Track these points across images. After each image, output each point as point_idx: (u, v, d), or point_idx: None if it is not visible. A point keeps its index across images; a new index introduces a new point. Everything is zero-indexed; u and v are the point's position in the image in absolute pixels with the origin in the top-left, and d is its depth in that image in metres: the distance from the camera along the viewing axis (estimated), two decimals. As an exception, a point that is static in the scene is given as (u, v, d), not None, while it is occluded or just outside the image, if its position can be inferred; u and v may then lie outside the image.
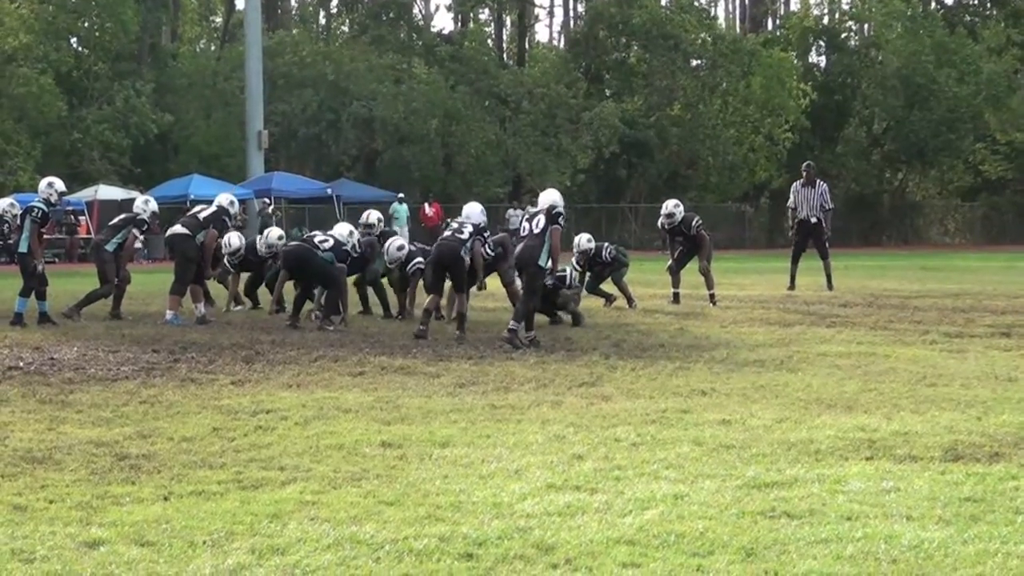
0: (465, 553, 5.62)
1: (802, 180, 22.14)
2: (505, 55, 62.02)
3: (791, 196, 22.36)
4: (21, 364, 11.95)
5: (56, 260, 40.31)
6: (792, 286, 21.59)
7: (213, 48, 61.53)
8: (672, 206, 19.22)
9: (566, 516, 6.27)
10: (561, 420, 8.99)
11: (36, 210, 15.61)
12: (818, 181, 22.16)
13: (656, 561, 5.50)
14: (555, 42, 70.89)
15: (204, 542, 5.79)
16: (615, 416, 9.14)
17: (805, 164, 22.97)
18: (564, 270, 16.24)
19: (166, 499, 6.65)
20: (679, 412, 9.29)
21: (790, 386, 10.60)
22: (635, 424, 8.79)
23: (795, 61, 60.07)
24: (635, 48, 58.82)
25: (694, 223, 19.14)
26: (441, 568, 5.41)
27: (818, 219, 21.78)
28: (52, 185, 16.12)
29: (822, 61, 64.28)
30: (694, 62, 58.05)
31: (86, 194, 42.15)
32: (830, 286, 21.49)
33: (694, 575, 5.32)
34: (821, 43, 63.50)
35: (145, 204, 17.06)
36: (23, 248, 15.66)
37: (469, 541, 5.80)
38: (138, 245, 27.34)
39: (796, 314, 17.19)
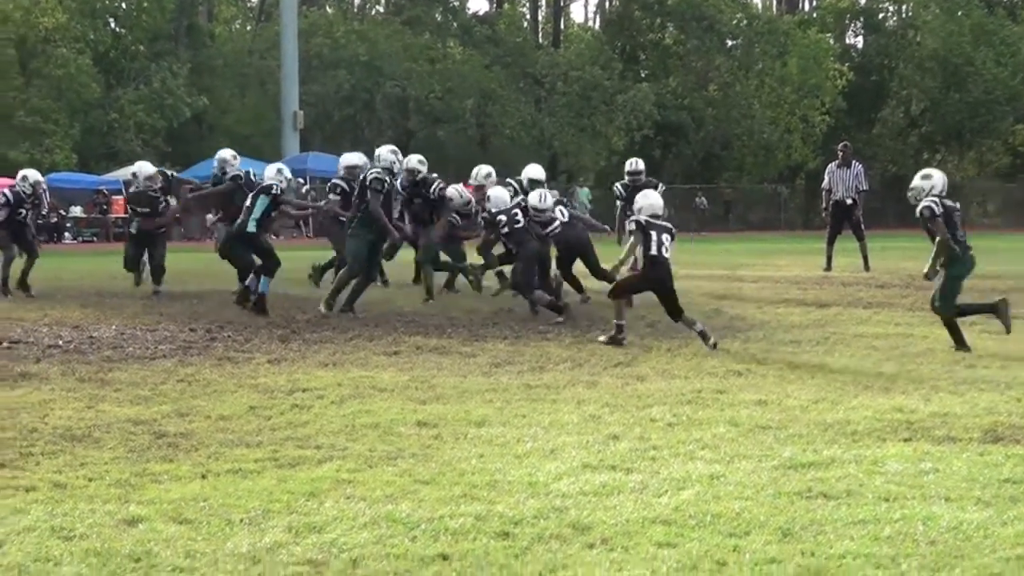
0: (501, 532, 5.61)
1: (838, 160, 21.98)
2: (540, 36, 61.89)
3: (826, 177, 22.19)
4: (60, 342, 12.02)
5: (95, 239, 40.63)
6: (828, 267, 21.46)
7: (248, 28, 61.65)
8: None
9: (602, 496, 6.26)
10: (596, 400, 8.97)
11: (275, 187, 14.51)
12: (854, 162, 21.98)
13: (692, 541, 5.48)
14: (590, 23, 70.70)
15: (241, 520, 5.81)
16: (650, 396, 9.12)
17: (841, 144, 22.80)
18: None
19: (204, 477, 6.67)
20: (715, 392, 9.26)
21: (827, 367, 10.55)
22: (670, 404, 8.77)
23: (831, 42, 59.69)
24: (670, 29, 58.62)
25: None
26: (477, 547, 5.40)
27: (854, 200, 21.62)
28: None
29: (859, 42, 63.88)
30: (729, 43, 57.79)
31: (122, 174, 42.39)
32: (867, 267, 21.35)
33: (731, 555, 5.29)
34: (858, 24, 63.09)
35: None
36: (252, 228, 14.32)
37: (505, 520, 5.79)
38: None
39: (832, 295, 17.09)
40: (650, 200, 12.69)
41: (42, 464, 6.95)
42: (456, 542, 5.47)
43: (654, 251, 12.07)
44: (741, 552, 5.34)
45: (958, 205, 11.87)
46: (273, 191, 14.40)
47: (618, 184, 18.93)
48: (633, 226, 12.33)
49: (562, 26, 63.99)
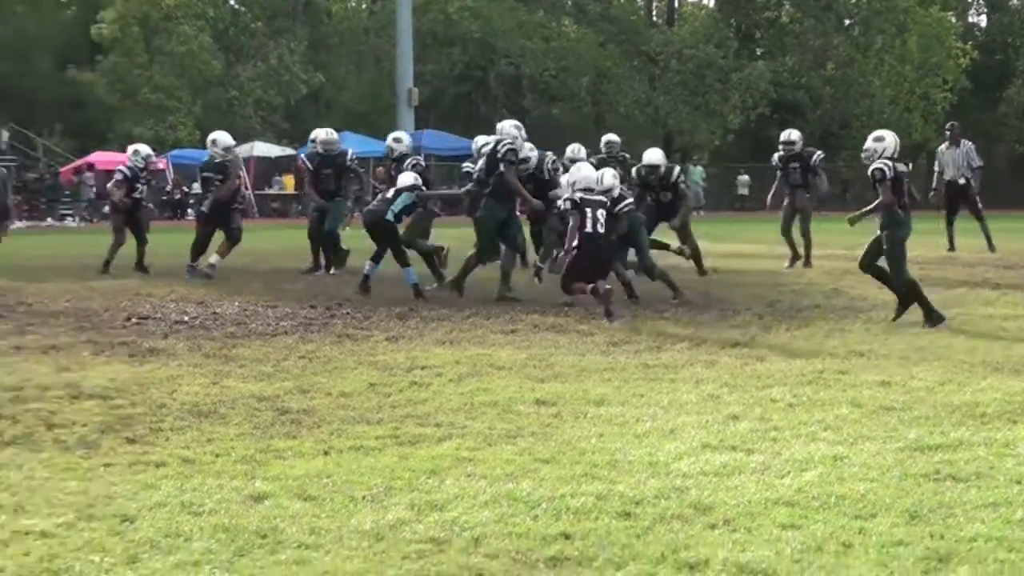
0: (623, 512, 5.59)
1: (947, 142, 21.55)
2: (654, 14, 61.46)
3: (936, 160, 21.76)
4: (186, 318, 12.23)
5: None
6: (952, 247, 21.05)
7: (364, 5, 62.10)
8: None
9: (723, 476, 6.21)
10: (715, 380, 8.90)
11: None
12: (962, 141, 21.50)
13: (817, 523, 5.41)
14: (705, 1, 70.00)
15: (364, 497, 5.85)
16: (770, 376, 9.02)
17: (949, 124, 22.40)
18: None
19: (326, 454, 6.74)
20: (836, 373, 9.13)
21: (953, 348, 10.34)
22: (791, 385, 8.67)
23: (953, 20, 58.42)
24: (787, 7, 57.84)
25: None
26: (599, 526, 5.39)
27: (967, 179, 21.17)
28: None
29: (982, 20, 62.40)
30: (847, 21, 56.87)
31: (242, 150, 43.10)
32: (991, 247, 20.86)
33: (856, 537, 5.22)
34: (980, 2, 61.67)
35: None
36: (390, 217, 14.15)
37: (626, 500, 5.77)
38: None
39: (958, 276, 16.76)
40: (583, 173, 12.49)
41: (171, 440, 7.08)
42: (577, 521, 5.47)
43: (589, 228, 11.87)
44: (867, 534, 5.26)
45: (909, 168, 12.35)
46: (416, 192, 14.33)
47: (775, 155, 18.82)
48: (568, 205, 12.11)
49: (676, 4, 63.45)
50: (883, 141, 12.09)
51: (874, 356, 9.97)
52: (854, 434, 7.13)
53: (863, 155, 12.23)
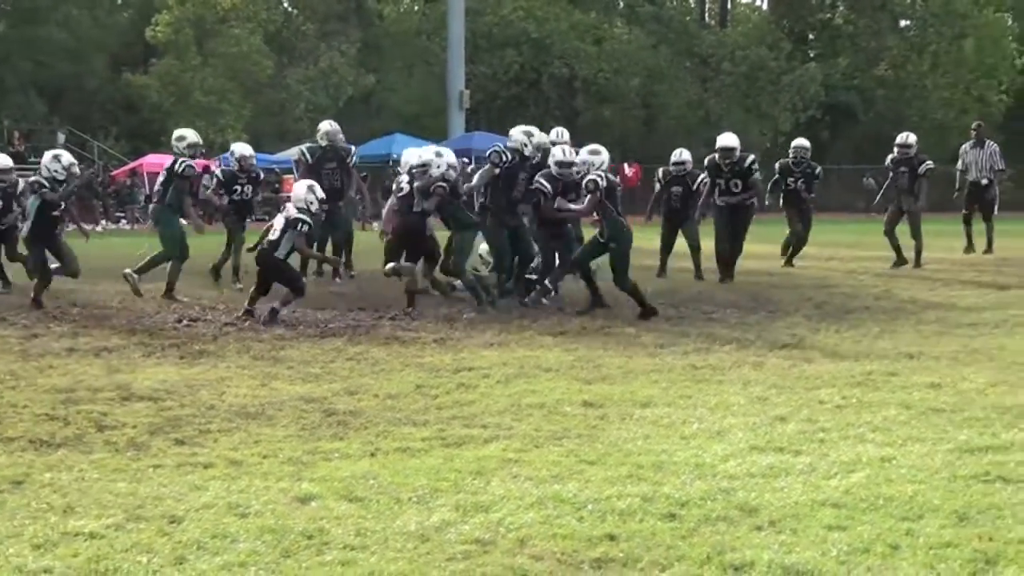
0: (668, 513, 5.58)
1: (971, 141, 21.33)
2: (707, 15, 61.24)
3: (960, 159, 21.55)
4: (236, 320, 12.31)
5: (266, 217, 41.54)
6: (970, 245, 20.91)
7: (417, 8, 62.27)
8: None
9: (769, 478, 6.18)
10: (763, 381, 8.86)
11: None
12: (987, 141, 21.27)
13: (864, 524, 5.38)
14: (758, 2, 69.68)
15: (410, 498, 5.87)
16: (818, 378, 8.98)
17: (975, 123, 22.23)
18: None
19: (373, 455, 6.77)
20: (885, 375, 9.06)
21: (1006, 349, 10.24)
22: (839, 386, 8.61)
23: (1010, 22, 57.81)
24: (840, 8, 57.47)
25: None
26: (644, 528, 5.38)
27: (989, 181, 20.97)
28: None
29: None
30: (903, 23, 56.43)
31: (292, 153, 43.35)
32: (990, 248, 20.71)
33: (904, 539, 5.18)
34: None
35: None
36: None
37: (672, 501, 5.76)
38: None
39: (1012, 277, 16.60)
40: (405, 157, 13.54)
41: (219, 441, 7.13)
42: (623, 523, 5.46)
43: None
44: (914, 536, 5.22)
45: (618, 180, 13.29)
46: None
47: (889, 156, 18.98)
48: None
49: (729, 5, 63.20)
50: (599, 155, 12.93)
51: (924, 358, 9.89)
52: (903, 436, 7.08)
53: (573, 168, 13.07)
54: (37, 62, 47.48)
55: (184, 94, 46.91)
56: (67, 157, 14.22)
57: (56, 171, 13.94)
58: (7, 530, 5.36)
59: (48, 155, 14.28)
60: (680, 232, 17.07)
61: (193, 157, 14.90)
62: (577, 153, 13.35)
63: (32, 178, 14.46)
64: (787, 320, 12.29)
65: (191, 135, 15.13)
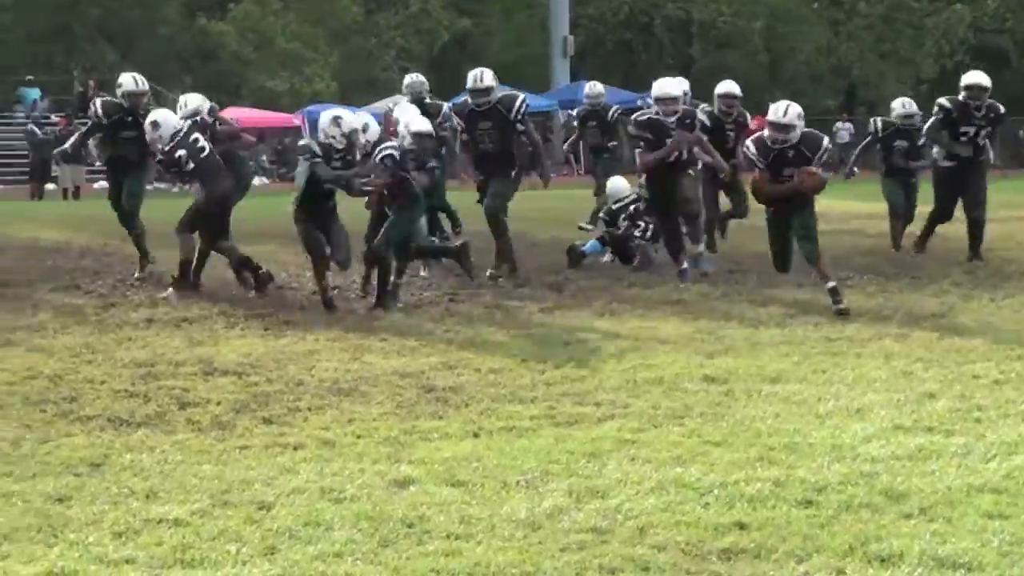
0: (803, 500, 5.53)
1: None
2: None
3: None
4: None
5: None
6: None
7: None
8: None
9: (917, 461, 6.11)
10: (908, 355, 8.75)
11: None
12: None
13: (1026, 513, 5.29)
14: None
15: (518, 482, 5.87)
16: (972, 351, 8.84)
17: None
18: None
19: (476, 435, 6.78)
20: (1048, 347, 8.90)
21: None
22: (996, 360, 8.47)
23: None
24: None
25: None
26: (777, 515, 5.33)
27: None
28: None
29: None
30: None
31: (381, 106, 43.44)
32: None
33: (1072, 531, 5.08)
34: None
35: None
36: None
37: (807, 486, 5.70)
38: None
39: None
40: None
41: (309, 420, 7.19)
42: (753, 510, 5.41)
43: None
44: (1087, 526, 5.12)
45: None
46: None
47: None
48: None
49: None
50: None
51: (1093, 328, 9.69)
52: (1069, 414, 6.95)
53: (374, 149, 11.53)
54: (106, 8, 47.96)
55: (265, 41, 47.18)
56: (348, 120, 11.65)
57: (334, 137, 11.38)
58: (87, 516, 5.44)
59: (326, 117, 11.76)
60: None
61: (203, 126, 12.75)
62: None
63: (303, 141, 13.62)
64: (934, 288, 12.09)
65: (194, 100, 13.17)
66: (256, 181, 26.30)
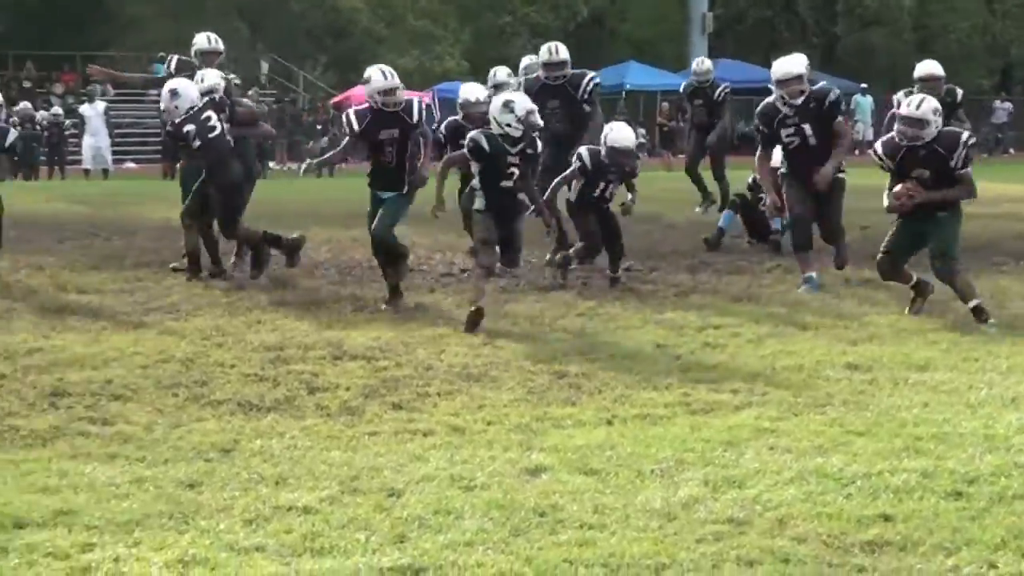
0: (953, 492, 5.46)
1: None
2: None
3: None
4: (454, 271, 12.43)
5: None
6: None
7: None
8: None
9: (1076, 452, 5.98)
10: (1066, 341, 8.56)
11: None
12: None
13: None
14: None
15: (652, 471, 5.86)
16: None
17: None
18: None
19: (609, 423, 6.77)
20: None
21: None
22: None
23: None
24: None
25: None
26: (925, 507, 5.25)
27: None
28: None
29: None
30: None
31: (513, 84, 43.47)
32: None
33: None
34: None
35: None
36: None
37: (957, 478, 5.62)
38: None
39: None
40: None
41: (439, 406, 7.23)
42: (899, 501, 5.34)
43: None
44: None
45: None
46: None
47: None
48: None
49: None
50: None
51: None
52: None
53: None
54: (238, -17, 48.61)
55: (396, 19, 47.44)
56: (522, 102, 10.13)
57: (508, 124, 9.98)
58: (217, 502, 5.53)
59: (498, 100, 10.30)
60: None
61: (221, 105, 12.12)
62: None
63: (472, 133, 12.94)
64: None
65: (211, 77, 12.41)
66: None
